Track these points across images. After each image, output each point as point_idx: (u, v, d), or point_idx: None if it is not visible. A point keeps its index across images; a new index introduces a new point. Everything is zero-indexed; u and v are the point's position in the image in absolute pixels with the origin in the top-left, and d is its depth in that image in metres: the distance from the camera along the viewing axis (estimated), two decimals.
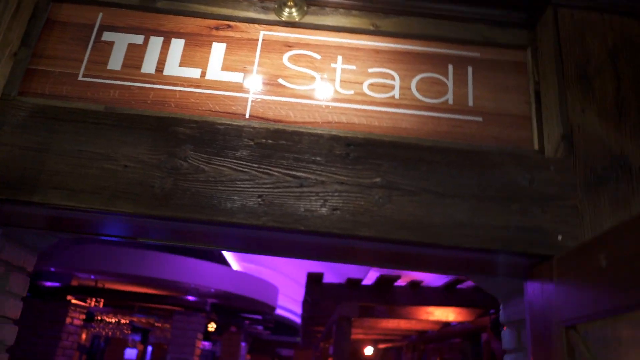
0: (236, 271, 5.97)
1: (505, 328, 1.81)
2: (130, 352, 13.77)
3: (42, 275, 5.80)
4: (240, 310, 6.81)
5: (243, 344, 10.57)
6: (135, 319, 7.75)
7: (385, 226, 1.24)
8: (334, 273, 4.59)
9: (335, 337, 4.69)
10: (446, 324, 5.99)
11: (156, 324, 7.21)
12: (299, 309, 10.61)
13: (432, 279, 4.37)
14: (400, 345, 8.53)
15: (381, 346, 10.16)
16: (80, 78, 1.53)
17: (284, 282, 8.18)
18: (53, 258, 5.30)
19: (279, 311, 10.98)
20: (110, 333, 6.95)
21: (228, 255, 7.99)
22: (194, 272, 5.44)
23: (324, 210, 1.24)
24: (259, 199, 1.25)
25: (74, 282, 5.87)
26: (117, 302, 6.29)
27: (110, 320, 7.00)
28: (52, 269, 5.58)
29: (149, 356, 14.17)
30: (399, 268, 1.47)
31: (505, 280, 1.61)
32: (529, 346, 1.44)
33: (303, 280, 5.60)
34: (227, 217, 1.23)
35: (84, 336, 14.34)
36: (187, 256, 5.50)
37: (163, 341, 7.46)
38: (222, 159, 1.29)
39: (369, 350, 10.47)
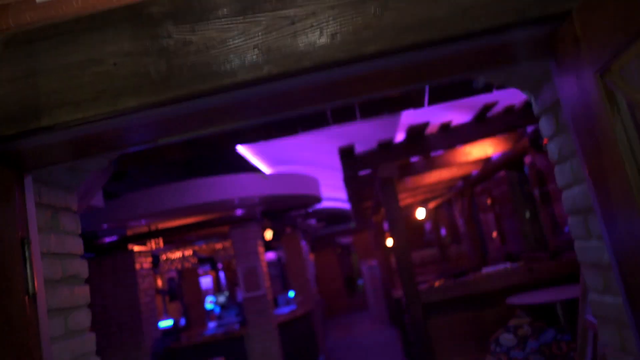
0: (272, 174, 6.08)
1: (541, 119, 1.77)
2: (205, 282, 14.75)
3: (98, 235, 6.09)
4: (289, 209, 7.04)
5: (304, 243, 11.03)
6: (196, 248, 8.16)
7: (389, 35, 1.17)
8: (363, 143, 4.59)
9: (384, 204, 4.79)
10: (487, 161, 6.03)
11: (217, 246, 7.59)
12: (344, 195, 10.88)
13: (460, 117, 4.32)
14: (449, 197, 8.73)
15: (431, 205, 10.44)
16: (38, 1, 1.45)
17: (322, 174, 8.31)
18: (102, 216, 5.52)
19: (327, 203, 11.28)
20: (179, 266, 7.39)
21: (260, 164, 8.11)
22: (234, 186, 5.57)
23: (323, 39, 1.18)
24: (256, 50, 1.20)
25: (129, 232, 6.16)
26: (175, 238, 6.60)
27: (174, 257, 7.41)
28: (105, 226, 5.84)
29: (224, 280, 15.17)
30: (415, 83, 1.42)
31: (530, 67, 1.54)
32: (568, 119, 1.41)
33: (339, 164, 5.67)
34: (230, 79, 1.19)
35: (160, 282, 15.37)
36: (222, 174, 5.61)
37: (229, 259, 7.89)
38: (206, 23, 1.22)
39: (420, 213, 10.79)
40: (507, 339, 3.73)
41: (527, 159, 5.97)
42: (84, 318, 1.77)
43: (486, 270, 4.36)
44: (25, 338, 1.40)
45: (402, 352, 8.60)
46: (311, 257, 15.22)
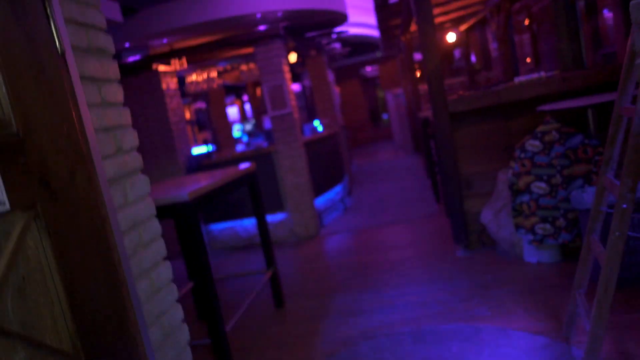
0: None
1: None
2: (232, 112, 15.02)
3: (121, 55, 6.02)
4: (314, 27, 6.73)
5: (329, 72, 10.82)
6: (221, 69, 8.09)
7: None
8: None
9: (415, 14, 4.49)
10: None
11: (242, 67, 7.49)
12: (372, 20, 10.32)
13: None
14: (483, 15, 8.17)
15: (462, 28, 9.88)
16: None
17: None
18: (122, 33, 5.39)
19: (353, 29, 10.77)
20: (205, 87, 7.42)
21: None
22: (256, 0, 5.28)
23: None
24: None
25: (152, 51, 6.06)
26: (198, 58, 6.50)
27: (200, 79, 7.40)
28: (127, 45, 5.74)
29: (249, 111, 15.42)
30: None
31: None
32: None
33: None
34: None
35: (187, 114, 15.73)
36: None
37: (255, 80, 7.80)
38: None
39: (450, 37, 10.28)
40: (532, 144, 3.76)
41: None
42: (117, 91, 1.79)
43: (518, 79, 4.23)
44: (63, 99, 1.42)
45: (425, 172, 8.95)
46: (336, 89, 15.09)
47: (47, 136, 1.29)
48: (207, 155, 6.92)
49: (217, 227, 6.64)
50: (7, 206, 1.10)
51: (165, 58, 6.07)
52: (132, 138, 1.82)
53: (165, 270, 1.96)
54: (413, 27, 7.30)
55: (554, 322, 2.99)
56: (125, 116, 1.81)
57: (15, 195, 1.14)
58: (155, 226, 1.92)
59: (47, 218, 1.25)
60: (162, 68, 6.09)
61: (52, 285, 1.30)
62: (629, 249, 3.14)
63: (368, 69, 19.03)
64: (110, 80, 1.76)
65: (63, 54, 1.42)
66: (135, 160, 1.82)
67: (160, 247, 1.93)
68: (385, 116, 19.61)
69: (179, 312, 2.02)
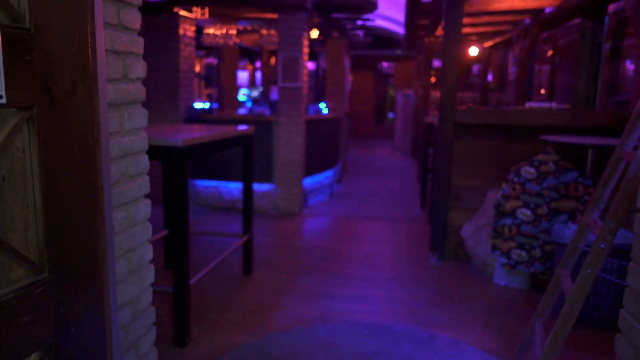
0: None
1: None
2: (242, 77, 14.91)
3: None
4: (341, 8, 6.66)
5: (346, 58, 10.75)
6: (241, 28, 7.98)
7: None
8: None
9: (445, 19, 4.46)
10: None
11: (262, 31, 7.40)
12: (400, 16, 10.24)
13: None
14: (510, 37, 8.14)
15: (486, 44, 9.83)
16: None
17: None
18: None
19: (380, 21, 10.67)
20: (221, 41, 7.33)
21: None
22: None
23: None
24: None
25: None
26: (221, 11, 6.41)
27: (217, 32, 7.30)
28: None
29: (259, 78, 15.31)
30: None
31: None
32: None
33: None
34: None
35: (198, 67, 15.57)
36: None
37: (273, 46, 7.69)
38: None
39: (473, 51, 10.24)
40: (528, 171, 3.78)
41: (612, 7, 5.39)
42: (135, 18, 1.76)
43: (529, 104, 4.24)
44: (81, 10, 1.39)
45: (417, 177, 8.98)
46: (350, 77, 15.01)
47: (57, 41, 1.27)
48: (208, 110, 6.88)
49: (203, 183, 6.62)
50: (4, 100, 1.08)
51: (187, 4, 5.98)
52: (140, 68, 1.80)
53: (144, 208, 1.96)
54: (439, 32, 7.26)
55: (508, 345, 3.04)
56: (138, 45, 1.78)
57: (13, 92, 1.12)
58: (144, 162, 1.91)
59: (41, 124, 1.24)
60: (182, 12, 6.00)
61: (30, 192, 1.29)
62: (595, 290, 3.20)
63: (384, 64, 18.94)
64: (132, 4, 1.73)
65: None
66: (139, 91, 1.80)
67: (144, 184, 1.92)
68: (390, 115, 19.58)
69: (148, 252, 2.01)
